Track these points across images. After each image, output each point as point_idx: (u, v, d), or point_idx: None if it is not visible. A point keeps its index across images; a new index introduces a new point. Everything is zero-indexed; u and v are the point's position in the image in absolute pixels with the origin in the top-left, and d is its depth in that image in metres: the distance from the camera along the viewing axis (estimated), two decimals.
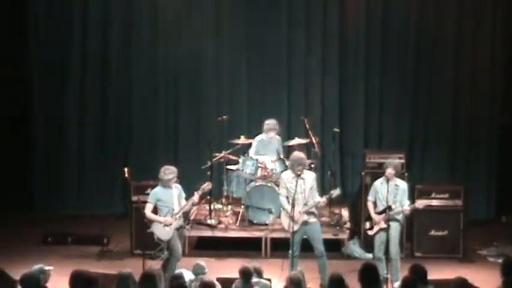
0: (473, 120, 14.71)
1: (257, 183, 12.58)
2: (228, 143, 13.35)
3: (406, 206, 10.62)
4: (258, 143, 13.06)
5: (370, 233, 10.80)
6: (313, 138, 12.96)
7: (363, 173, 12.77)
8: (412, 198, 11.26)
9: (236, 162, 13.08)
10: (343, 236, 12.43)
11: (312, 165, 12.52)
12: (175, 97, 15.03)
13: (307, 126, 13.06)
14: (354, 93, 14.87)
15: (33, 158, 15.00)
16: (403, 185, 10.72)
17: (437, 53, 14.65)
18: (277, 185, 11.56)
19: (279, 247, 11.37)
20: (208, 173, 12.68)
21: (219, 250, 12.24)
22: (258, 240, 12.25)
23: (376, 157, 12.72)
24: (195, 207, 12.66)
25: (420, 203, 10.98)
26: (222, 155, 13.02)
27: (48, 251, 12.49)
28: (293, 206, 10.30)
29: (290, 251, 10.47)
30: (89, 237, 12.91)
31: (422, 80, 14.73)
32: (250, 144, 13.20)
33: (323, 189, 12.75)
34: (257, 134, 13.18)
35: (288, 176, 10.65)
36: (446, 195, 12.32)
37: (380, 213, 10.64)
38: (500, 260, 10.89)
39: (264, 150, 13.02)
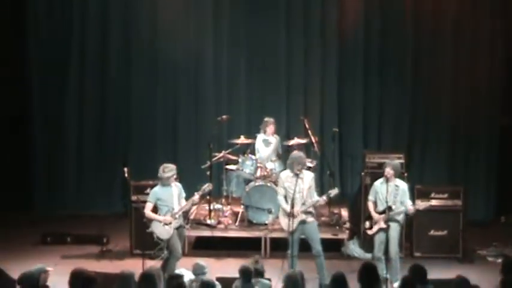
0: (472, 121, 14.73)
1: (256, 183, 12.58)
2: (227, 142, 13.35)
3: (409, 205, 10.62)
4: (260, 142, 13.06)
5: (369, 232, 10.79)
6: (312, 138, 12.96)
7: (362, 173, 12.77)
8: (412, 198, 11.25)
9: (236, 162, 13.08)
10: (343, 236, 12.43)
11: (311, 165, 12.51)
12: (174, 97, 15.04)
13: (307, 126, 13.06)
14: (353, 93, 14.89)
15: (32, 158, 15.01)
16: (403, 185, 10.71)
17: (436, 53, 14.65)
18: (277, 185, 11.56)
19: (279, 247, 11.36)
20: (208, 172, 12.69)
21: (219, 250, 12.23)
22: (257, 240, 12.25)
23: (375, 157, 12.72)
24: (194, 207, 12.66)
25: (421, 204, 10.96)
26: (221, 155, 13.02)
27: (47, 251, 12.50)
28: (292, 206, 10.30)
29: (288, 251, 10.47)
30: (88, 237, 12.91)
31: (422, 80, 14.75)
32: (249, 144, 13.19)
33: (322, 189, 12.74)
34: (256, 134, 13.19)
35: (286, 175, 10.65)
36: (446, 196, 12.32)
37: (380, 213, 10.64)
38: (499, 260, 10.94)
39: (263, 148, 13.03)
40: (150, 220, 10.65)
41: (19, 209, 14.34)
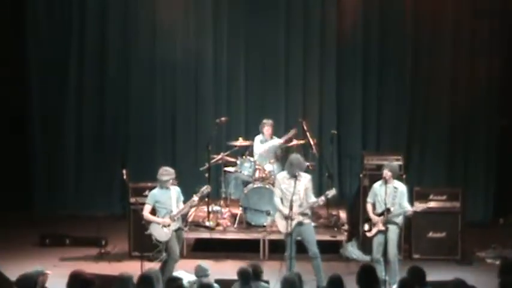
0: (471, 122, 14.73)
1: (255, 185, 12.58)
2: (226, 144, 13.34)
3: (409, 207, 10.62)
4: (259, 143, 13.07)
5: (368, 234, 10.78)
6: (311, 140, 12.95)
7: (361, 175, 12.76)
8: (410, 200, 11.24)
9: (234, 164, 13.08)
10: (341, 237, 12.43)
11: (310, 167, 12.51)
12: (173, 98, 15.05)
13: (305, 127, 13.05)
14: (352, 94, 14.90)
15: (31, 159, 15.02)
16: (401, 187, 10.70)
17: (435, 55, 14.67)
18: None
19: (277, 249, 11.34)
20: (206, 174, 12.68)
21: (217, 252, 12.22)
22: (256, 242, 12.25)
23: (374, 159, 12.69)
24: (193, 210, 12.65)
25: (419, 206, 10.96)
26: (220, 156, 13.01)
27: (46, 252, 12.49)
28: (291, 208, 10.28)
29: (286, 253, 10.45)
30: (87, 239, 12.90)
31: (420, 81, 14.75)
32: (247, 146, 13.19)
33: (321, 191, 12.72)
34: (255, 135, 13.20)
35: (283, 177, 10.63)
36: (445, 197, 12.32)
37: (379, 215, 10.63)
38: (498, 262, 10.93)
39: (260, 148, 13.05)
40: (149, 222, 10.65)
41: (18, 210, 14.33)
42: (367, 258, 11.61)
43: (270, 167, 12.81)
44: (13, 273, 8.40)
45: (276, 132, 13.24)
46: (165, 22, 14.83)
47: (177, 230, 10.72)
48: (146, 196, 11.04)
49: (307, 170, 11.38)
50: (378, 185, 10.76)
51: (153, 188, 10.86)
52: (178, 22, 14.81)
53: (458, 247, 12.27)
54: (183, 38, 14.83)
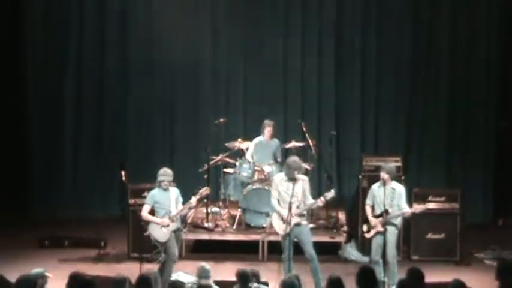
0: (469, 124, 14.75)
1: (254, 187, 12.58)
2: (225, 146, 13.34)
3: (407, 208, 10.62)
4: (256, 145, 13.07)
5: (367, 236, 10.78)
6: (310, 141, 12.96)
7: (359, 177, 12.77)
8: (409, 201, 11.25)
9: (233, 165, 13.08)
10: (340, 239, 12.43)
11: (309, 169, 12.51)
12: (171, 100, 15.05)
13: (304, 129, 13.05)
14: (350, 96, 14.91)
15: (30, 160, 15.00)
16: (400, 188, 10.71)
17: (434, 56, 14.69)
18: None
19: (276, 250, 11.35)
20: (205, 176, 12.68)
21: (216, 253, 12.22)
22: (255, 244, 12.25)
23: (372, 160, 12.71)
24: (192, 211, 12.65)
25: (417, 208, 10.97)
26: (218, 158, 13.01)
27: (45, 254, 12.48)
28: (290, 209, 10.27)
29: (283, 255, 10.45)
30: (86, 241, 12.90)
31: (419, 83, 14.77)
32: (247, 148, 13.20)
33: (320, 193, 12.73)
34: (255, 137, 13.20)
35: (280, 178, 10.62)
36: (443, 199, 12.33)
37: (378, 216, 10.63)
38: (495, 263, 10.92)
39: (261, 152, 13.02)
40: (148, 222, 10.66)
41: (16, 212, 14.33)
42: (366, 259, 11.59)
43: (269, 168, 12.82)
44: (12, 276, 8.41)
45: (276, 134, 13.24)
46: (163, 23, 14.82)
47: (176, 231, 10.72)
48: (145, 197, 11.05)
49: (305, 172, 11.38)
50: (376, 187, 10.76)
51: (152, 189, 10.86)
52: (177, 23, 14.79)
53: (457, 248, 12.27)
54: (181, 40, 14.81)
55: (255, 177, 12.74)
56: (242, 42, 14.89)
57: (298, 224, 10.44)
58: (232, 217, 12.93)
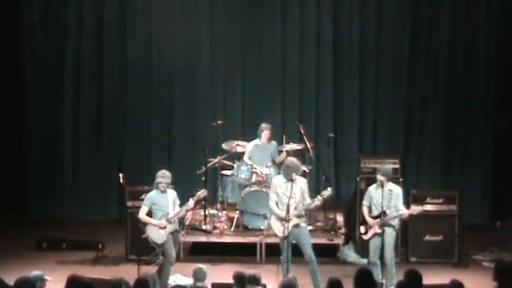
0: (467, 126, 14.73)
1: (252, 189, 12.58)
2: (222, 148, 13.33)
3: (404, 209, 10.62)
4: (253, 148, 13.06)
5: (364, 237, 10.79)
6: (308, 144, 12.96)
7: (357, 178, 12.77)
8: (407, 203, 11.25)
9: (231, 168, 13.08)
10: (338, 241, 12.43)
11: (307, 171, 12.51)
12: (170, 103, 15.05)
13: (302, 131, 13.06)
14: (348, 98, 14.91)
15: (29, 162, 14.99)
16: (397, 189, 10.72)
17: (432, 56, 14.69)
18: None
19: (274, 252, 11.35)
20: (203, 178, 12.68)
21: (214, 255, 12.22)
22: (253, 246, 12.24)
23: (370, 162, 12.71)
24: (189, 213, 12.65)
25: (415, 209, 10.97)
26: (216, 160, 13.01)
27: (43, 256, 12.47)
28: (288, 211, 10.28)
29: (281, 257, 10.44)
30: (83, 243, 12.89)
31: (417, 83, 14.76)
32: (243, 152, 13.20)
33: (317, 194, 12.75)
34: (252, 139, 13.20)
35: (279, 181, 10.62)
36: (441, 200, 12.33)
37: (375, 218, 10.64)
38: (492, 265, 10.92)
39: (258, 155, 13.02)
40: (145, 224, 10.65)
41: (14, 213, 14.31)
42: (364, 261, 11.60)
43: (266, 170, 12.81)
44: (10, 278, 8.38)
45: (273, 136, 13.24)
46: (161, 25, 14.83)
47: (174, 233, 10.73)
48: (143, 200, 11.04)
49: (303, 174, 11.38)
50: (373, 188, 10.77)
51: (150, 191, 10.86)
52: (175, 23, 14.81)
53: (455, 250, 12.28)
54: (179, 41, 14.82)
55: (253, 179, 12.73)
56: (240, 45, 14.88)
57: (297, 225, 10.44)
58: (230, 219, 12.91)
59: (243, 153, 13.14)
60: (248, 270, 8.91)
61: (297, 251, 10.57)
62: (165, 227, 10.55)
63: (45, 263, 11.68)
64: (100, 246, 12.62)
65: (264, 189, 12.42)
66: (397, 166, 12.39)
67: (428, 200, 12.24)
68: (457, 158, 14.77)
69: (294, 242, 10.52)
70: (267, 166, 12.89)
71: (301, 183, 10.54)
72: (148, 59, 14.94)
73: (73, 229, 13.66)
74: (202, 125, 14.59)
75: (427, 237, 12.33)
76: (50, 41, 14.89)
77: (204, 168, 12.74)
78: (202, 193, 10.95)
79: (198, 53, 14.89)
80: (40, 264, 11.36)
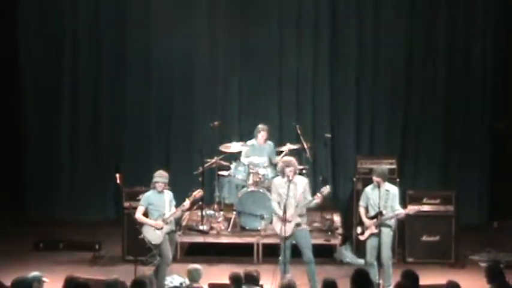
0: (465, 126, 14.74)
1: (249, 189, 12.57)
2: (219, 149, 13.33)
3: (400, 209, 10.62)
4: (250, 148, 13.06)
5: (361, 238, 10.78)
6: (304, 144, 12.96)
7: (354, 179, 12.78)
8: (404, 203, 11.25)
9: (228, 168, 13.07)
10: (335, 241, 12.42)
11: (304, 171, 12.51)
12: (167, 103, 15.04)
13: (299, 131, 13.06)
14: (345, 98, 14.91)
15: (25, 164, 14.98)
16: (393, 190, 10.71)
17: (430, 56, 14.70)
18: (269, 191, 11.50)
19: (271, 253, 11.36)
20: (200, 179, 12.68)
21: (211, 256, 12.22)
22: (250, 246, 12.24)
23: (367, 162, 12.71)
24: (185, 214, 12.65)
25: (411, 209, 10.97)
26: (213, 160, 13.00)
27: (40, 257, 12.46)
28: (285, 211, 10.26)
29: (280, 257, 10.44)
30: (81, 243, 12.89)
31: (414, 85, 14.77)
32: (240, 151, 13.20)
33: (316, 193, 12.74)
34: (249, 140, 13.20)
35: (280, 181, 10.61)
36: (438, 201, 12.33)
37: (372, 218, 10.63)
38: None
39: (255, 155, 13.01)
40: (141, 224, 10.65)
41: (11, 214, 14.29)
42: (361, 261, 11.59)
43: (263, 171, 12.80)
44: (6, 278, 8.38)
45: (270, 137, 13.24)
46: (159, 26, 14.83)
47: (170, 233, 10.72)
48: (139, 200, 11.03)
49: (300, 174, 11.38)
50: (369, 189, 10.76)
51: (147, 191, 10.86)
52: (173, 26, 14.80)
53: (452, 250, 12.27)
54: (178, 42, 14.81)
55: (250, 180, 12.73)
56: (238, 46, 14.88)
57: (298, 224, 10.42)
58: (227, 220, 12.91)
59: (240, 152, 13.16)
60: (248, 268, 8.93)
61: (294, 252, 10.56)
62: (161, 228, 10.55)
63: (42, 264, 11.67)
64: (97, 246, 12.62)
65: (261, 190, 12.42)
66: (393, 166, 12.39)
67: (425, 200, 12.25)
68: (454, 158, 14.78)
69: (294, 242, 10.52)
70: (264, 167, 12.88)
71: (303, 183, 10.54)
72: (147, 59, 14.93)
73: (71, 229, 13.66)
74: (199, 126, 14.58)
75: (424, 238, 12.33)
76: (48, 41, 14.87)
77: (201, 169, 12.73)
78: (198, 193, 10.94)
79: (196, 55, 14.88)
80: (37, 264, 11.34)
